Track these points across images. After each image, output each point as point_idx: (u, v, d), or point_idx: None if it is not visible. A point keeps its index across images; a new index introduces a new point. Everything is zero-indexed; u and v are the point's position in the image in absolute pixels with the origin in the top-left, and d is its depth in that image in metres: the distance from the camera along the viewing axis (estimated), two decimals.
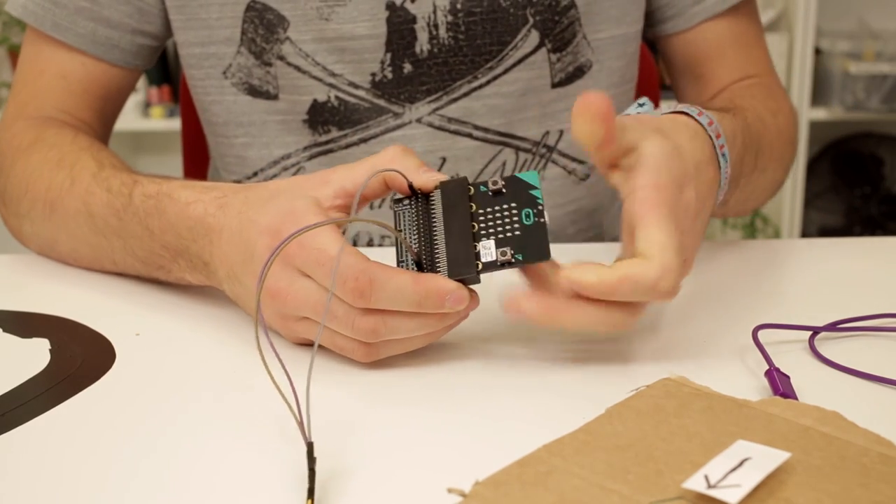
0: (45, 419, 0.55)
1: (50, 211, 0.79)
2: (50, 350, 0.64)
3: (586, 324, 0.56)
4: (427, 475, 0.48)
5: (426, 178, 0.61)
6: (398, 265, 0.59)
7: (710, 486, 0.42)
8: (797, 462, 0.45)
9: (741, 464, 0.43)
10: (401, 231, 0.61)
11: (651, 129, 0.61)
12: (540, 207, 0.58)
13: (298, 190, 0.62)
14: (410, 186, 0.61)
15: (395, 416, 0.55)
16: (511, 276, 0.59)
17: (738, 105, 0.82)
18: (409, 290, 0.56)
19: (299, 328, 0.61)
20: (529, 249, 0.57)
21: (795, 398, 0.54)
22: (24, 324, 0.69)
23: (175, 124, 1.50)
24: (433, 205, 0.60)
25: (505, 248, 0.57)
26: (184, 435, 0.53)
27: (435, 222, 0.60)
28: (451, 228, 0.59)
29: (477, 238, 0.58)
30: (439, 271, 0.58)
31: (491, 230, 0.58)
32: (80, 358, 0.63)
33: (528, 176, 0.60)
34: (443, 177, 0.61)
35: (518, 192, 0.59)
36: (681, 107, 0.67)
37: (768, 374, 0.56)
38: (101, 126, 0.92)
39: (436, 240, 0.59)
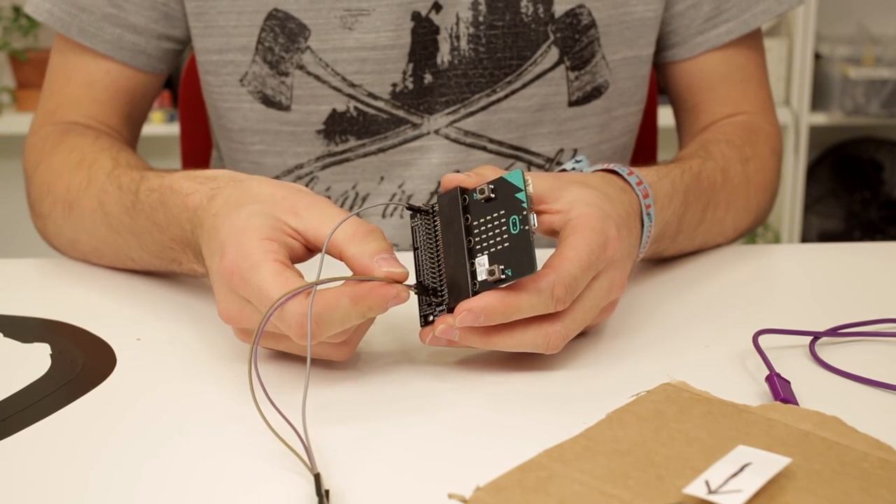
0: (46, 424, 0.55)
1: (69, 211, 0.80)
2: (51, 355, 0.64)
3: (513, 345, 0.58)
4: (428, 481, 0.48)
5: (373, 268, 0.56)
6: (419, 309, 0.59)
7: (710, 492, 0.42)
8: (797, 467, 0.45)
9: (742, 469, 0.43)
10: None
11: (573, 182, 0.63)
12: (524, 213, 0.56)
13: (267, 208, 0.59)
14: (410, 206, 0.60)
15: (394, 423, 0.55)
16: None
17: (709, 152, 0.84)
18: (353, 311, 0.55)
19: (264, 341, 0.60)
20: (517, 263, 0.55)
21: (796, 403, 0.55)
22: (24, 328, 0.69)
23: (175, 129, 1.50)
24: (436, 221, 0.60)
25: (494, 266, 0.56)
26: (184, 440, 0.53)
27: (439, 240, 0.59)
28: (449, 247, 0.58)
29: (473, 254, 0.57)
30: (443, 297, 0.58)
31: (485, 244, 0.57)
32: (80, 363, 0.63)
33: (513, 176, 0.57)
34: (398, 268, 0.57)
35: (506, 196, 0.57)
36: (612, 165, 0.70)
37: (769, 379, 0.57)
38: (128, 130, 0.93)
39: (440, 259, 0.59)
